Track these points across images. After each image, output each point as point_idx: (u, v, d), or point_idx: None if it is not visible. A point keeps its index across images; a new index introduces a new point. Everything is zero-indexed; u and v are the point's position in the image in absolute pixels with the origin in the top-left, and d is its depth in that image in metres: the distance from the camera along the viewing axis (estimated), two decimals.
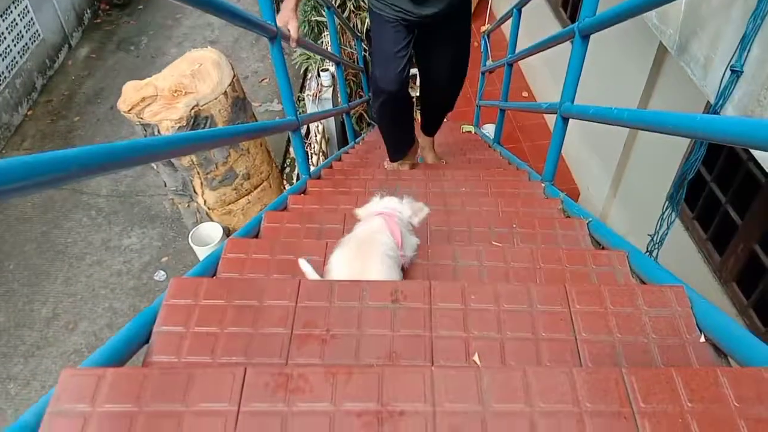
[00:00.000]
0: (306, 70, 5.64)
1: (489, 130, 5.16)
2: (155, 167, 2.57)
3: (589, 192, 4.72)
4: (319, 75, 5.06)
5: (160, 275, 4.95)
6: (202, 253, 2.20)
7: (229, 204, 2.38)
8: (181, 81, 2.23)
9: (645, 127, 1.64)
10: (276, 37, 2.09)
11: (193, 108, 2.24)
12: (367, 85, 5.40)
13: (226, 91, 2.38)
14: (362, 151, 3.72)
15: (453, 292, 1.21)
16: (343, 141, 4.74)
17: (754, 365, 0.98)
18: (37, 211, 5.47)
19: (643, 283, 1.43)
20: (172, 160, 2.45)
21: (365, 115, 5.58)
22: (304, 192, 2.36)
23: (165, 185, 2.60)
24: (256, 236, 1.79)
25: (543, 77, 5.84)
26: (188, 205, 2.43)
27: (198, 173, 2.37)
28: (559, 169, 2.45)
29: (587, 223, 1.85)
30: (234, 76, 2.40)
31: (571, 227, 1.84)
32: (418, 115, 3.66)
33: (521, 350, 1.11)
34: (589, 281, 1.45)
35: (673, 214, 2.56)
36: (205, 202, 2.38)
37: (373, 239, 1.39)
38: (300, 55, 5.10)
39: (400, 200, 1.55)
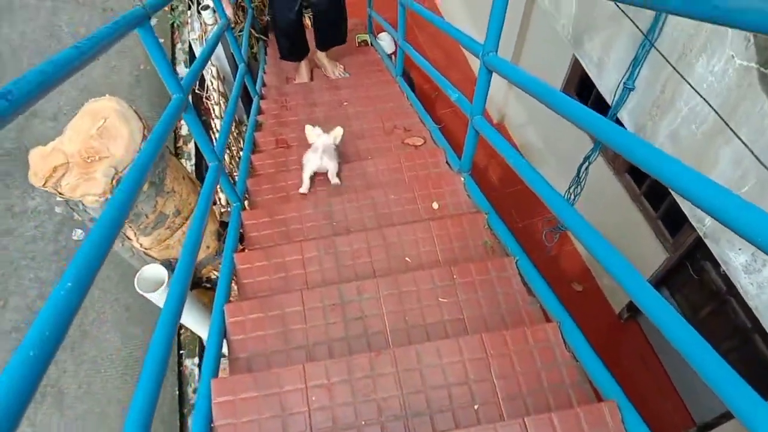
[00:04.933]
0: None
1: (386, 40, 5.31)
2: (80, 219, 2.71)
3: None
4: (199, 13, 4.96)
5: (78, 234, 4.98)
6: (154, 298, 2.41)
7: (165, 240, 2.56)
8: (91, 144, 2.13)
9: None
10: None
11: (113, 177, 2.17)
12: None
13: (140, 148, 2.30)
14: (274, 126, 3.82)
15: (409, 356, 1.78)
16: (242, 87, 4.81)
17: (592, 373, 1.66)
18: None
19: (526, 287, 2.06)
20: (96, 216, 2.56)
21: (253, 30, 5.50)
22: (241, 236, 2.56)
23: None
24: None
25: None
26: (122, 245, 2.62)
27: (130, 227, 2.39)
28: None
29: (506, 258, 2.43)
30: (144, 127, 2.33)
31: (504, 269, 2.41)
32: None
33: (461, 394, 1.72)
34: (496, 294, 2.06)
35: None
36: (141, 245, 2.53)
37: (326, 146, 2.91)
38: None
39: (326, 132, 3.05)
